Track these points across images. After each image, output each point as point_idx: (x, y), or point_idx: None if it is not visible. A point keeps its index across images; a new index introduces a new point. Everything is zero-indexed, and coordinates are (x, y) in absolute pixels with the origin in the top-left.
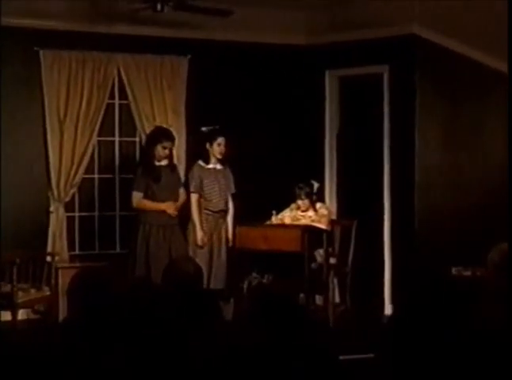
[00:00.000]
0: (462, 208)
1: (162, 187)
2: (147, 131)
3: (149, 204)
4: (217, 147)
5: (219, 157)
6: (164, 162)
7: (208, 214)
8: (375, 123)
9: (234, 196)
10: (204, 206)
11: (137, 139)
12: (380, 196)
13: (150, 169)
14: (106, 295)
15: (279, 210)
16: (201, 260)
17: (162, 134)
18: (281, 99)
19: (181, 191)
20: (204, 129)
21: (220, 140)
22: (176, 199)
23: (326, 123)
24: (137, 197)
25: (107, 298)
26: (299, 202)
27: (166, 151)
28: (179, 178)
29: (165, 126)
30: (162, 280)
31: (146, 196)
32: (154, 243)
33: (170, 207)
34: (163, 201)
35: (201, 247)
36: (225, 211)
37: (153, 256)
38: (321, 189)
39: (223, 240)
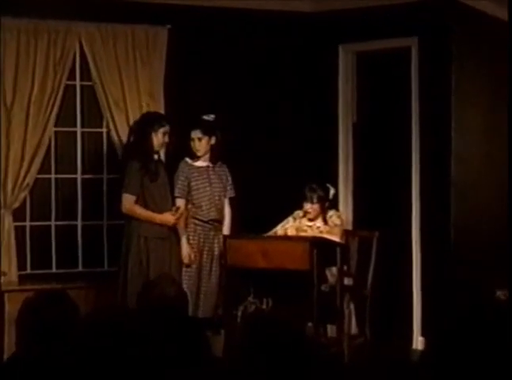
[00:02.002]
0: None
1: (159, 187)
2: (117, 120)
3: (144, 214)
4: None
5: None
6: (156, 156)
7: (196, 225)
8: (401, 109)
9: (231, 202)
10: (192, 214)
11: (104, 130)
12: (408, 201)
13: (149, 164)
14: (66, 327)
15: (279, 219)
16: (187, 281)
17: (160, 117)
18: (284, 80)
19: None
20: (206, 117)
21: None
22: (170, 205)
23: (339, 110)
24: (130, 201)
25: (67, 330)
26: (308, 206)
27: (166, 138)
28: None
29: (138, 113)
30: (137, 307)
31: (138, 201)
32: (158, 260)
33: (168, 220)
34: (160, 206)
35: (188, 265)
36: (219, 221)
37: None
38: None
39: (216, 257)
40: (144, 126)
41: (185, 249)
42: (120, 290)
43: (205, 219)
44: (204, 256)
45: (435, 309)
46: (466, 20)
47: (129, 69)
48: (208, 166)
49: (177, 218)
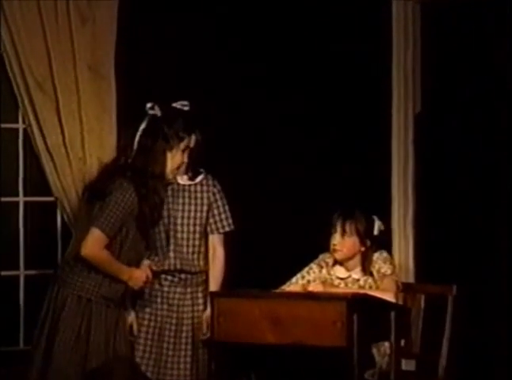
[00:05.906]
0: None
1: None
2: (40, 110)
3: (111, 265)
4: (183, 153)
5: (169, 176)
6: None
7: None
8: (490, 92)
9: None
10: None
11: (20, 126)
12: (500, 240)
13: (158, 197)
14: None
15: (297, 268)
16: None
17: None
18: (310, 50)
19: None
20: (179, 106)
21: (193, 139)
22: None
23: (393, 94)
24: (100, 242)
25: None
26: (336, 239)
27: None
28: None
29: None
30: None
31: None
32: (103, 330)
33: (138, 278)
34: (133, 258)
35: (137, 343)
36: (191, 273)
37: (97, 357)
38: (386, 232)
39: (188, 329)
40: (158, 130)
41: (130, 319)
42: (36, 370)
43: (159, 270)
44: (166, 326)
45: None
46: None
47: (60, 29)
48: (178, 184)
49: (148, 277)
